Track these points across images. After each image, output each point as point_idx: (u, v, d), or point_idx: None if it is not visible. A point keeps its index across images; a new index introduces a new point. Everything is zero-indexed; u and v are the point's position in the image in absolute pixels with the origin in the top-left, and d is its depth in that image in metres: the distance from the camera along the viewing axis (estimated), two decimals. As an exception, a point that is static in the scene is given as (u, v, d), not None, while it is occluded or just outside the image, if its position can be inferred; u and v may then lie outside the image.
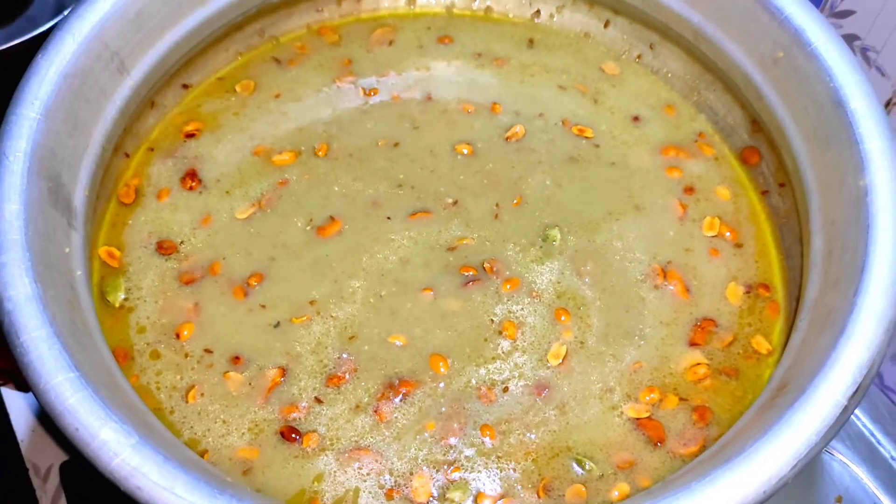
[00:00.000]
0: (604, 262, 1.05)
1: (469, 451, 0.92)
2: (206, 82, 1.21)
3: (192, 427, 0.93)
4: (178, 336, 0.97)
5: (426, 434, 0.92)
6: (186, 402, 0.94)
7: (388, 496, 0.88)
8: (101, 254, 1.04)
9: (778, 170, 1.12)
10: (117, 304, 1.01)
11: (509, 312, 1.01)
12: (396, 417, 0.93)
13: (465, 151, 1.13)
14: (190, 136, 1.14)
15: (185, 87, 1.20)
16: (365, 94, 1.20)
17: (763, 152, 1.15)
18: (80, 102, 0.98)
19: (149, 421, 0.83)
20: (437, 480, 0.90)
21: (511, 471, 0.92)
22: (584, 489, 0.88)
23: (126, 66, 1.05)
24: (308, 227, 1.06)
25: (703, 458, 0.86)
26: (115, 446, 0.74)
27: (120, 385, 0.86)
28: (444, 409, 0.94)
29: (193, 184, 1.10)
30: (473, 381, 0.96)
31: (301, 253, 1.03)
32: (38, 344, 0.79)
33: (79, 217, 0.97)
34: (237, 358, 0.96)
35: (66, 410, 0.77)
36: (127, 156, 1.13)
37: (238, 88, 1.19)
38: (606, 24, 1.24)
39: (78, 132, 0.98)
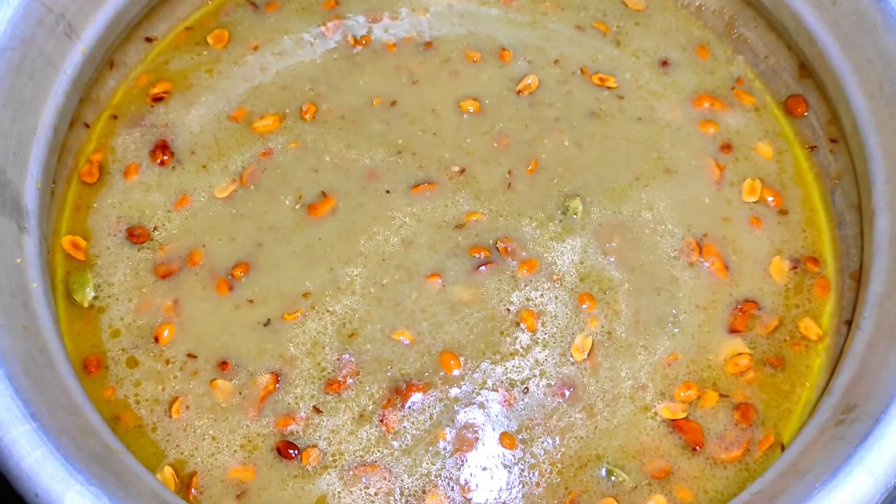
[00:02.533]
0: (631, 237, 0.94)
1: (487, 464, 0.84)
2: (173, 34, 1.08)
3: (177, 445, 0.84)
4: (156, 339, 0.89)
5: (439, 445, 0.84)
6: (170, 416, 0.85)
7: (400, 521, 0.81)
8: (64, 245, 0.94)
9: (830, 123, 0.99)
10: (86, 304, 0.91)
11: (527, 300, 0.91)
12: (405, 427, 0.85)
13: (472, 109, 1.02)
14: (157, 99, 1.03)
15: (149, 40, 1.07)
16: (355, 42, 1.07)
17: (811, 101, 1.01)
18: (24, 79, 0.85)
19: (122, 469, 0.71)
20: (454, 500, 0.82)
21: (534, 486, 0.83)
22: (615, 504, 0.80)
23: (75, 29, 0.91)
24: (297, 206, 0.96)
25: (755, 489, 0.72)
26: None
27: (88, 423, 0.72)
28: (458, 415, 0.86)
29: (165, 157, 0.99)
30: (490, 382, 0.87)
31: (291, 237, 0.94)
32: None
33: (32, 216, 0.84)
34: (224, 363, 0.88)
35: (23, 473, 0.63)
36: (87, 126, 1.00)
37: (210, 40, 1.07)
38: (627, -53, 1.11)
39: (23, 115, 0.85)
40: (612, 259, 0.93)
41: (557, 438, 0.85)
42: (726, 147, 1.00)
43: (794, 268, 0.94)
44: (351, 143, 0.99)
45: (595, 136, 1.00)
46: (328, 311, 0.90)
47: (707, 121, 1.02)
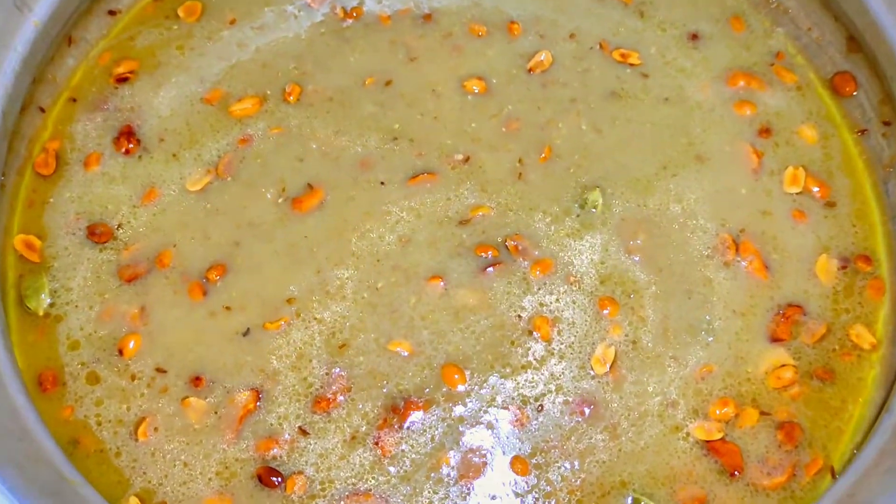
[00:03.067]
0: (658, 234, 0.93)
1: (497, 492, 0.82)
2: (139, 6, 1.06)
3: (144, 473, 0.83)
4: (121, 352, 0.87)
5: (442, 471, 0.83)
6: (136, 439, 0.84)
7: (398, 559, 0.80)
8: (16, 245, 0.92)
9: (882, 103, 0.97)
10: (41, 312, 0.89)
11: (541, 305, 0.90)
12: (403, 451, 0.84)
13: (477, 89, 1.00)
14: (122, 80, 1.01)
15: (112, 13, 1.04)
16: (345, 14, 1.05)
17: (861, 79, 0.99)
18: (-34, 58, 0.84)
19: (79, 503, 0.66)
20: (459, 534, 0.81)
21: (551, 517, 0.82)
22: (644, 538, 0.81)
23: (26, 0, 0.89)
24: (280, 200, 0.95)
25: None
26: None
27: (40, 449, 0.70)
28: (463, 436, 0.84)
29: (130, 145, 0.97)
30: (499, 399, 0.86)
31: (273, 234, 0.93)
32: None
33: (-23, 212, 0.81)
34: (198, 379, 0.86)
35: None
36: (42, 110, 0.99)
37: (181, 13, 1.05)
38: None
39: (-36, 102, 0.84)
40: (637, 258, 0.92)
41: (576, 462, 0.83)
42: (765, 131, 0.98)
43: (844, 267, 0.92)
44: (340, 128, 0.98)
45: (616, 120, 0.99)
46: (315, 318, 0.89)
47: (743, 101, 1.00)
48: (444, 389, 0.85)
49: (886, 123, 0.96)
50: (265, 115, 0.98)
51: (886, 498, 0.63)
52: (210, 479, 0.82)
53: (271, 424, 0.84)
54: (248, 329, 0.88)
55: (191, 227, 0.93)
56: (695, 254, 0.92)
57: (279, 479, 0.81)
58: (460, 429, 0.84)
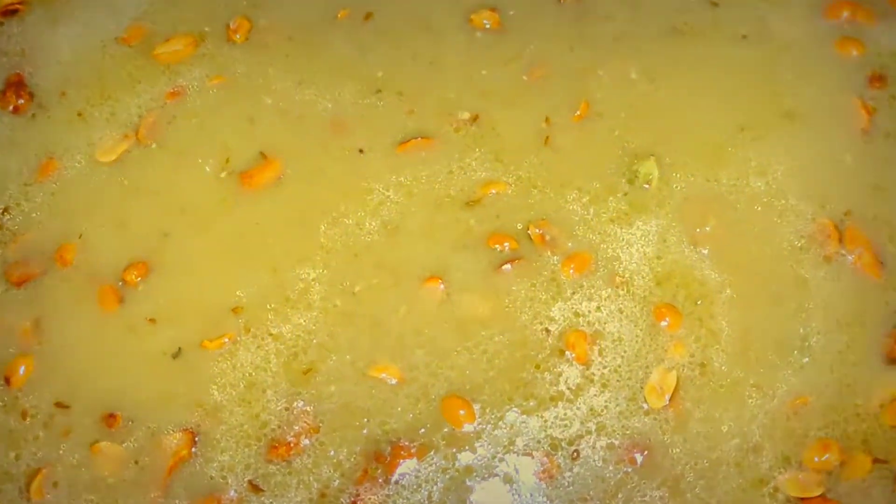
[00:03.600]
0: (735, 219, 0.92)
1: None
2: None
3: None
4: (7, 381, 0.87)
5: None
6: (29, 499, 0.84)
7: None
8: None
9: None
10: None
11: (576, 316, 0.89)
12: None
13: (488, 23, 1.00)
14: (8, 12, 1.01)
15: None
16: None
17: None
18: None
19: None
20: None
21: None
22: None
23: None
24: (223, 174, 0.94)
25: None
26: None
27: None
28: (472, 493, 0.84)
29: (20, 101, 0.97)
30: (520, 443, 0.85)
31: (213, 221, 0.92)
32: None
33: None
34: (112, 416, 0.85)
35: None
36: None
37: None
38: None
39: None
40: (706, 251, 0.90)
41: (626, 530, 0.83)
42: (877, 79, 0.97)
43: (985, 262, 0.91)
44: (304, 77, 0.97)
45: (678, 64, 0.97)
46: (271, 334, 0.88)
47: (847, 39, 0.98)
48: (446, 430, 0.85)
49: None
50: (202, 60, 0.99)
51: None
52: (128, 553, 0.82)
53: (212, 477, 0.84)
54: (180, 349, 0.88)
55: (102, 210, 0.92)
56: (784, 245, 0.91)
57: (223, 554, 0.82)
58: (468, 483, 0.83)
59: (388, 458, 0.83)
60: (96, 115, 0.96)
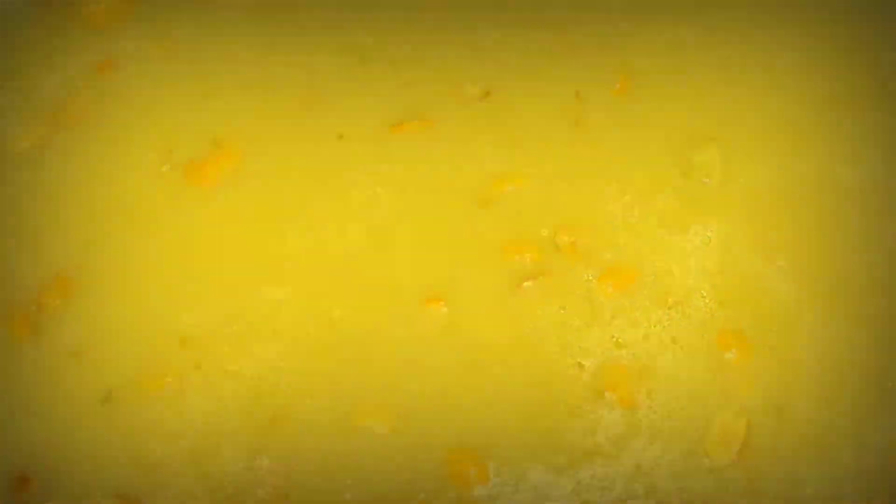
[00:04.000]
0: (817, 221, 0.89)
1: None
2: None
3: None
4: None
5: None
6: None
7: None
8: None
9: None
10: None
11: (617, 346, 0.88)
12: None
13: None
14: None
15: None
16: None
17: None
18: None
19: None
20: None
21: None
22: None
23: None
24: (166, 167, 0.96)
25: None
26: None
27: None
28: None
29: None
30: None
31: (154, 226, 0.94)
32: None
33: None
34: (23, 479, 0.87)
35: None
36: None
37: None
38: None
39: None
40: (781, 263, 0.88)
41: None
42: None
43: None
44: (270, 41, 0.98)
45: (750, 19, 0.97)
46: (227, 371, 0.88)
47: None
48: (452, 494, 0.84)
49: None
50: (140, 22, 0.97)
51: None
52: None
53: (151, 561, 0.82)
54: (111, 391, 0.87)
55: (11, 214, 0.93)
56: (883, 255, 0.89)
57: None
58: (478, 566, 0.81)
59: (378, 532, 0.82)
60: (9, 91, 0.94)
